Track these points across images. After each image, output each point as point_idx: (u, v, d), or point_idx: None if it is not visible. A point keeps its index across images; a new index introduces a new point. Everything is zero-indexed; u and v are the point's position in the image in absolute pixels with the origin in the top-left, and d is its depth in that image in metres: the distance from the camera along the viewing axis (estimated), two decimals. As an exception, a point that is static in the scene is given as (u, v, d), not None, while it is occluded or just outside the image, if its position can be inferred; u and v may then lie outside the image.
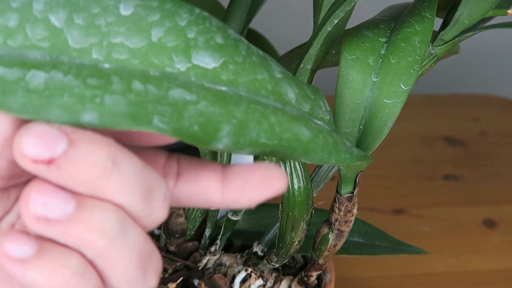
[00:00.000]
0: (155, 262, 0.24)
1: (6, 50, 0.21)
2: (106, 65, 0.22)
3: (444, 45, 0.37)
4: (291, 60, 0.45)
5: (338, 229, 0.37)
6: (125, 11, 0.23)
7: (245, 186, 0.24)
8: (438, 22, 0.38)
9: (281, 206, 0.38)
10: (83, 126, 0.20)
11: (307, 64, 0.37)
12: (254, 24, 0.62)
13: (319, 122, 0.27)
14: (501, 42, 1.07)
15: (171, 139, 0.23)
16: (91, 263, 0.22)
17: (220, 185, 0.25)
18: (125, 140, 0.24)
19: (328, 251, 0.38)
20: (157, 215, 0.23)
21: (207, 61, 0.24)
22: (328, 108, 0.29)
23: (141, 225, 0.23)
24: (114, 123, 0.20)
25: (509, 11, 0.36)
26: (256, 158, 0.45)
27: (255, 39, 0.63)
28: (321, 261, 0.39)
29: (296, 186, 0.36)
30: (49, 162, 0.20)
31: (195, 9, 0.24)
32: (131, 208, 0.22)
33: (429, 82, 0.93)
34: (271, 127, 0.24)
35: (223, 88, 0.24)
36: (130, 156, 0.22)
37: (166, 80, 0.22)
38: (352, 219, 0.37)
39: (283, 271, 0.45)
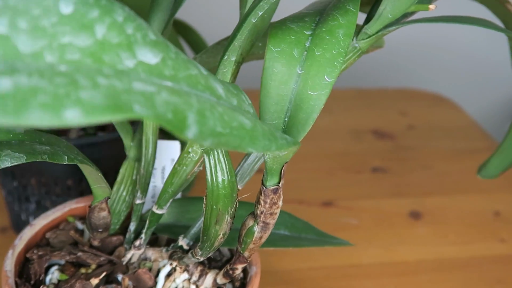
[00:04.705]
0: None
1: None
2: (63, 67, 0.21)
3: (367, 39, 0.37)
4: (217, 52, 0.45)
5: (263, 222, 0.37)
6: (66, 9, 0.22)
7: None
8: (362, 17, 0.39)
9: (205, 199, 0.37)
10: (68, 124, 0.19)
11: (231, 55, 0.37)
12: (182, 16, 0.61)
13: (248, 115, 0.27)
14: (428, 38, 1.10)
15: None
16: None
17: None
18: None
19: (254, 243, 0.38)
20: None
21: (149, 57, 0.24)
22: (250, 102, 0.29)
23: None
24: (98, 115, 0.20)
25: (430, 6, 0.36)
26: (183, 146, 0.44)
27: (184, 30, 0.62)
28: (246, 253, 0.39)
29: (220, 179, 0.36)
30: None
31: (123, 5, 0.24)
32: None
33: (358, 77, 0.95)
34: (221, 116, 0.24)
35: (169, 84, 0.24)
36: None
37: (123, 76, 0.22)
38: (278, 211, 0.37)
39: (209, 264, 0.45)
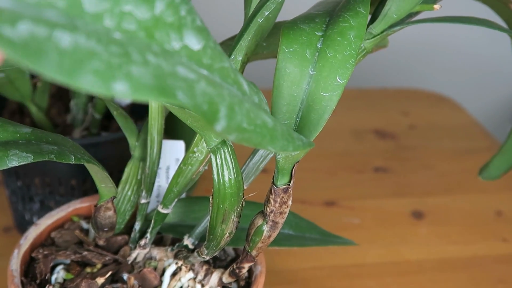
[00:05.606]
0: None
1: (24, 6, 0.19)
2: (117, 35, 0.21)
3: (372, 39, 0.37)
4: (222, 52, 0.45)
5: (273, 221, 0.37)
6: None
7: None
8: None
9: (212, 198, 0.37)
10: (114, 95, 0.19)
11: (238, 55, 0.37)
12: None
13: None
14: (429, 38, 1.10)
15: None
16: None
17: None
18: None
19: (262, 242, 0.38)
20: None
21: (194, 42, 0.24)
22: (266, 101, 0.29)
23: None
24: (144, 94, 0.19)
25: (435, 6, 0.37)
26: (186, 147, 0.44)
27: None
28: (254, 252, 0.39)
29: (226, 178, 0.36)
30: None
31: None
32: None
33: (360, 76, 0.95)
34: (247, 112, 0.24)
35: (205, 72, 0.23)
36: None
37: (168, 57, 0.22)
38: (287, 210, 0.37)
39: (214, 263, 0.45)
